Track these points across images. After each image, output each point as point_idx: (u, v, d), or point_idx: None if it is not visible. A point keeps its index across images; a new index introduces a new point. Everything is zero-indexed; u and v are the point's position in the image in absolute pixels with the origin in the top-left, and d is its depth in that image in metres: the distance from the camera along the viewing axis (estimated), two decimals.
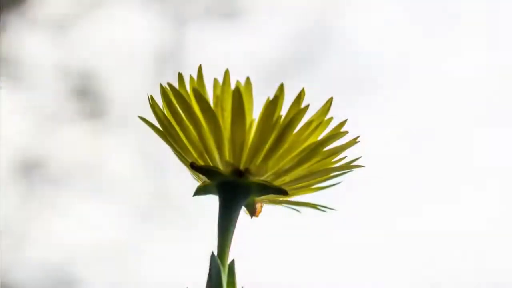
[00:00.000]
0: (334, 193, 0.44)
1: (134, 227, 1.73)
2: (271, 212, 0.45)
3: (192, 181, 0.44)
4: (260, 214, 0.44)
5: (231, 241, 0.42)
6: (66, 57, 1.79)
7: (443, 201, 1.61)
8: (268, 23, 1.78)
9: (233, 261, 0.42)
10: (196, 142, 0.42)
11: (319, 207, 0.44)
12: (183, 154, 0.43)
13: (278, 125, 0.41)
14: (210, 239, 0.42)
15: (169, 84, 0.41)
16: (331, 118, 0.42)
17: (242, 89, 0.41)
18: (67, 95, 1.76)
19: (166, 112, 0.42)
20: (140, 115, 0.43)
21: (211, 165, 0.42)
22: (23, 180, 1.74)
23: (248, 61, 1.71)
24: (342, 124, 0.42)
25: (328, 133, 0.42)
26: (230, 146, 0.41)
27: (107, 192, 1.75)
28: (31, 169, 1.75)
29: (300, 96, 0.41)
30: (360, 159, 0.43)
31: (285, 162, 0.42)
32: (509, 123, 1.63)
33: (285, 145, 0.41)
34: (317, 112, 0.42)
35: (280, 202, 0.44)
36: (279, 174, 0.42)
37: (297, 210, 0.45)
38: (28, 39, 1.78)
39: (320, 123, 0.42)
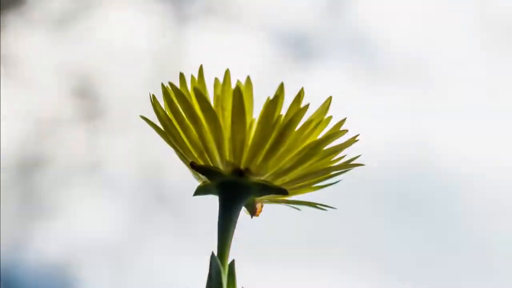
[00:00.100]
0: (334, 193, 0.44)
1: (134, 227, 1.73)
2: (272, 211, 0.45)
3: (192, 181, 0.44)
4: (260, 214, 0.44)
5: (231, 241, 0.42)
6: (66, 57, 1.79)
7: None
8: (267, 23, 1.78)
9: (233, 261, 0.42)
10: (196, 141, 0.42)
11: (319, 206, 0.44)
12: (183, 154, 0.43)
13: (278, 124, 0.41)
14: (210, 239, 0.42)
15: (171, 84, 0.42)
16: (330, 117, 0.42)
17: (242, 88, 0.41)
18: (67, 95, 1.76)
19: (167, 111, 0.42)
20: (141, 115, 0.43)
21: (211, 165, 0.42)
22: (23, 180, 1.74)
23: (248, 61, 1.71)
24: (341, 122, 0.42)
25: (328, 132, 0.42)
26: (231, 146, 0.41)
27: (107, 192, 1.75)
28: (31, 169, 1.74)
29: (300, 96, 0.41)
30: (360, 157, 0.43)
31: (285, 162, 0.41)
32: None
33: (285, 145, 0.41)
34: (316, 111, 0.42)
35: (280, 201, 0.44)
36: (279, 174, 0.42)
37: (297, 209, 0.45)
38: (28, 39, 1.78)
39: (319, 122, 0.42)
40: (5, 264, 1.67)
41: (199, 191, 0.43)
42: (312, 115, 0.42)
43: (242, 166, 0.41)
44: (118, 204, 1.74)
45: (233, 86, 0.41)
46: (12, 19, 1.77)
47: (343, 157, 0.42)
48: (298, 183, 0.43)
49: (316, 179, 0.43)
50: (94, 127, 1.75)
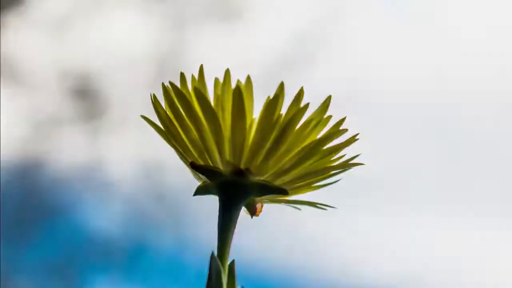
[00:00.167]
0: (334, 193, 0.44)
1: (134, 227, 1.73)
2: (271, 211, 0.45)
3: (192, 181, 0.44)
4: (260, 214, 0.44)
5: (231, 241, 0.42)
6: (66, 57, 1.78)
7: None
8: (267, 23, 1.78)
9: (233, 261, 0.42)
10: (196, 141, 0.42)
11: (318, 206, 0.44)
12: (184, 154, 0.42)
13: (278, 124, 0.40)
14: (210, 239, 0.42)
15: (171, 84, 0.41)
16: (330, 116, 0.42)
17: (242, 88, 0.41)
18: (67, 95, 1.76)
19: (168, 111, 0.42)
20: (142, 115, 0.43)
21: (211, 164, 0.42)
22: (23, 180, 1.74)
23: (248, 61, 1.71)
24: (341, 122, 0.42)
25: (327, 131, 0.42)
26: (231, 146, 0.41)
27: (106, 192, 1.75)
28: (31, 169, 1.74)
29: (300, 95, 0.41)
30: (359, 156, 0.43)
31: (285, 162, 0.41)
32: None
33: (285, 144, 0.41)
34: (316, 111, 0.42)
35: (280, 201, 0.44)
36: (279, 174, 0.42)
37: (297, 208, 0.44)
38: (28, 39, 1.78)
39: (319, 122, 0.41)
40: (5, 264, 1.67)
41: (199, 191, 0.43)
42: (311, 115, 0.42)
43: (242, 166, 0.41)
44: (118, 204, 1.74)
45: (233, 86, 0.41)
46: (12, 19, 1.77)
47: (342, 156, 0.42)
48: (298, 183, 0.43)
49: (315, 179, 0.43)
50: (94, 127, 1.75)
